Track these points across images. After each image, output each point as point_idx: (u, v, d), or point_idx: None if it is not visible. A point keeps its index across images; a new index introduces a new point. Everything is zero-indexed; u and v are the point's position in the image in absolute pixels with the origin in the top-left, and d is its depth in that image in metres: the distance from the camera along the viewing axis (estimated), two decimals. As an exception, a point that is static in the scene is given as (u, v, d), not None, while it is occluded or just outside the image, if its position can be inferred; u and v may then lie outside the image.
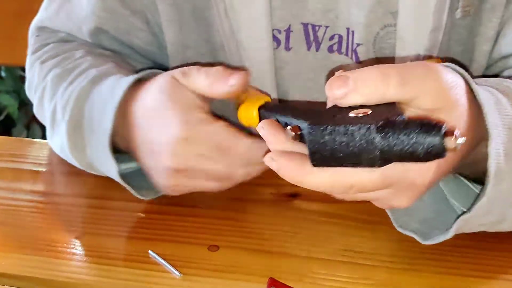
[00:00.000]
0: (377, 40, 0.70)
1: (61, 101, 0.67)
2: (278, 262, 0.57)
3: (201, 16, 0.74)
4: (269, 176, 0.69)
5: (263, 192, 0.66)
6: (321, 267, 0.55)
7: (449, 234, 0.53)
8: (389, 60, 0.70)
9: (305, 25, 0.72)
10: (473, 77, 0.54)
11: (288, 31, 0.72)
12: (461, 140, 0.41)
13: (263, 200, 0.66)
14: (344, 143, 0.43)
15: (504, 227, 0.56)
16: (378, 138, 0.42)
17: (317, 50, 0.73)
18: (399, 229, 0.57)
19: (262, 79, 0.73)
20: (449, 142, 0.41)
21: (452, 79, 0.49)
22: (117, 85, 0.63)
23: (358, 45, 0.71)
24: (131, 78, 0.63)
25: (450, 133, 0.41)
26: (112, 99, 0.61)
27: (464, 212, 0.53)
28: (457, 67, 0.52)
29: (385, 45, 0.70)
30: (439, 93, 0.48)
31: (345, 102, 0.45)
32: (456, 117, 0.49)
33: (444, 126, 0.41)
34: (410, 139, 0.42)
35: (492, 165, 0.50)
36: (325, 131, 0.43)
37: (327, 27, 0.71)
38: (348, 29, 0.71)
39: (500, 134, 0.51)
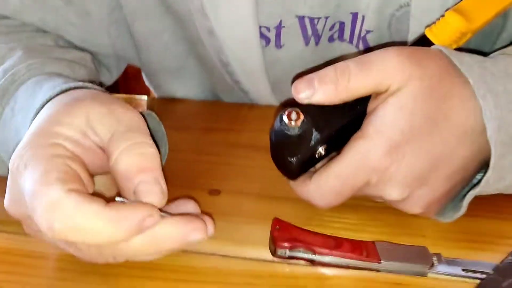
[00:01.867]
0: (392, 23, 0.64)
1: None
2: (282, 206, 0.55)
3: (171, 7, 0.66)
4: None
5: (265, 138, 0.64)
6: (327, 210, 0.53)
7: (462, 210, 0.50)
8: (403, 44, 0.64)
9: (301, 18, 0.64)
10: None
11: (279, 27, 0.65)
12: (294, 117, 0.47)
13: (265, 146, 0.63)
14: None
15: None
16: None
17: (316, 44, 0.66)
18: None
19: (252, 76, 0.67)
20: (287, 122, 0.48)
21: (415, 51, 0.47)
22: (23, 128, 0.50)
23: (368, 31, 0.65)
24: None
25: (288, 115, 0.48)
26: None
27: (474, 185, 0.50)
28: (439, 46, 0.49)
29: (402, 27, 0.64)
30: (403, 66, 0.46)
31: (314, 102, 0.47)
32: (431, 84, 0.46)
33: (283, 112, 0.48)
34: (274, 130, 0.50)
35: (492, 137, 0.47)
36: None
37: (327, 18, 0.64)
38: (355, 14, 0.64)
39: (491, 100, 0.47)
